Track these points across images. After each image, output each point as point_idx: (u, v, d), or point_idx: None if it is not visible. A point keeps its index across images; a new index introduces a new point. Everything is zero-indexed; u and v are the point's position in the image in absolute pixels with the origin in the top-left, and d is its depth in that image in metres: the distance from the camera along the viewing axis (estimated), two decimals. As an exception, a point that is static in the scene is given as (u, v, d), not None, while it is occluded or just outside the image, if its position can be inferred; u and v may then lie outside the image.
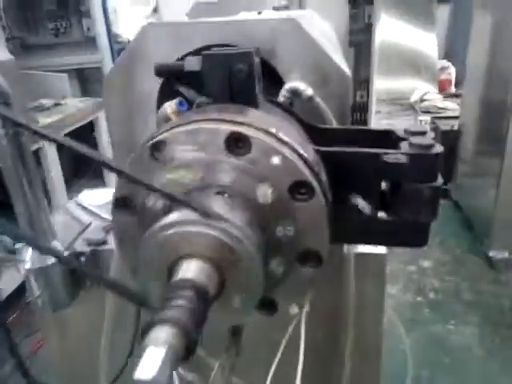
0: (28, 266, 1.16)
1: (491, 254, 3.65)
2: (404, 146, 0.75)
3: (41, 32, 4.85)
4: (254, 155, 0.65)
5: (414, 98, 5.32)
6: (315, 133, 0.88)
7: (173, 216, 0.62)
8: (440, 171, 0.75)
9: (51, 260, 1.17)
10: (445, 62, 6.13)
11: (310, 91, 0.94)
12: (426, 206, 0.75)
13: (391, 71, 5.63)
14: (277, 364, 0.95)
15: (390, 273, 3.52)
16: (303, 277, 0.73)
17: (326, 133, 0.89)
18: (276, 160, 0.64)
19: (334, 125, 0.97)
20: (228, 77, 0.76)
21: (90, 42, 4.80)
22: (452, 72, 6.08)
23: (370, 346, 1.21)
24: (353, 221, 0.78)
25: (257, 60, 0.79)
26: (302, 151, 0.67)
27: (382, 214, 0.80)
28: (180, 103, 0.73)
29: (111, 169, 0.60)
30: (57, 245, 1.20)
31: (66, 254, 1.19)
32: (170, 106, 0.74)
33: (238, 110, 0.71)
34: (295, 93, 0.95)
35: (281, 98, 0.96)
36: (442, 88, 5.84)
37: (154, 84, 1.03)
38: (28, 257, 1.16)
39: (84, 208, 1.51)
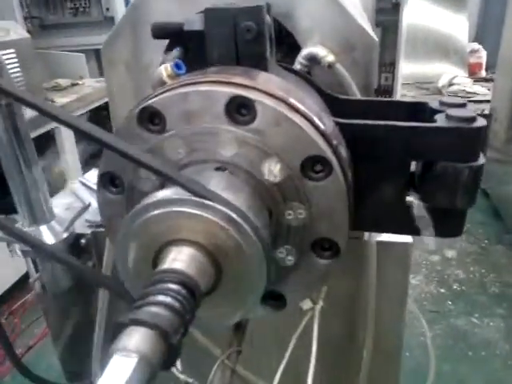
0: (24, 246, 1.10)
1: (519, 245, 3.49)
2: (440, 118, 0.64)
3: (59, 11, 4.77)
4: (260, 124, 0.54)
5: (441, 82, 5.10)
6: (336, 104, 0.76)
7: (162, 193, 0.52)
8: (481, 149, 0.64)
9: (50, 239, 1.10)
10: (475, 45, 5.84)
11: (330, 57, 0.82)
12: (464, 190, 0.63)
13: (418, 54, 5.41)
14: (291, 356, 0.85)
15: (412, 262, 3.39)
16: (317, 269, 0.63)
17: (348, 104, 0.78)
18: (286, 130, 0.54)
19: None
20: (234, 36, 0.65)
21: (109, 21, 4.71)
22: (483, 55, 5.79)
23: (390, 340, 1.12)
24: (377, 206, 0.68)
25: (268, 18, 0.68)
26: (317, 121, 0.56)
27: (410, 199, 0.69)
28: (176, 65, 0.63)
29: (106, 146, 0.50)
30: (55, 225, 1.13)
31: (65, 235, 1.13)
32: (165, 69, 0.63)
33: (243, 72, 0.60)
34: (314, 59, 0.83)
35: (297, 66, 0.84)
36: (472, 72, 5.58)
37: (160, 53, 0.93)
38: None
39: (89, 188, 1.44)
